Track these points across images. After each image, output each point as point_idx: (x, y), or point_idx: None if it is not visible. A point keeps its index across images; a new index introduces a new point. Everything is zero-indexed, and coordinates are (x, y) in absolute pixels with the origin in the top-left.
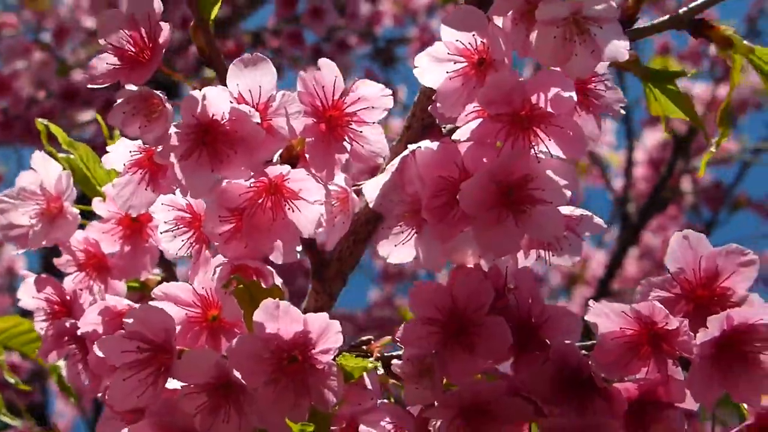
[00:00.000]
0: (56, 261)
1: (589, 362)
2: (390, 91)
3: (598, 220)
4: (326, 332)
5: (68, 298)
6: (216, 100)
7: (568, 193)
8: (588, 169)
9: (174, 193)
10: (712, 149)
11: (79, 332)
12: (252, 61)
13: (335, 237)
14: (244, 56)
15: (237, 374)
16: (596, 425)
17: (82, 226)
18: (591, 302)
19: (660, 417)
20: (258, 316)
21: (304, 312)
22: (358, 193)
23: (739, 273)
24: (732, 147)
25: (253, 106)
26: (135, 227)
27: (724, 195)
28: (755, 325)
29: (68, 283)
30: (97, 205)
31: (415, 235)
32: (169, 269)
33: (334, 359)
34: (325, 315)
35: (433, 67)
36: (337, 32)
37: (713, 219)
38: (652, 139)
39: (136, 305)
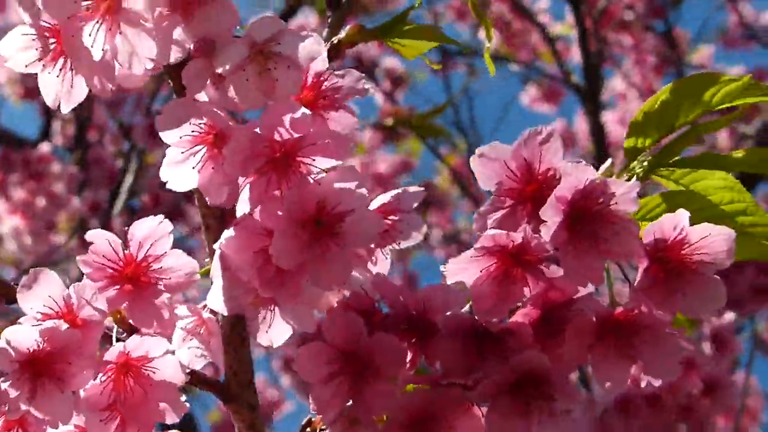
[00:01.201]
0: None
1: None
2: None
3: (413, 188)
4: None
5: None
6: (22, 338)
7: (364, 190)
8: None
9: None
10: None
11: None
12: (34, 280)
13: (220, 358)
14: (23, 280)
15: None
16: (519, 363)
17: None
18: (441, 268)
19: (566, 317)
20: None
21: None
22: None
23: (546, 151)
24: None
25: (59, 317)
26: None
27: None
28: (586, 188)
29: None
30: None
31: (277, 311)
32: None
33: None
34: None
35: (179, 168)
36: None
37: None
38: None
39: None
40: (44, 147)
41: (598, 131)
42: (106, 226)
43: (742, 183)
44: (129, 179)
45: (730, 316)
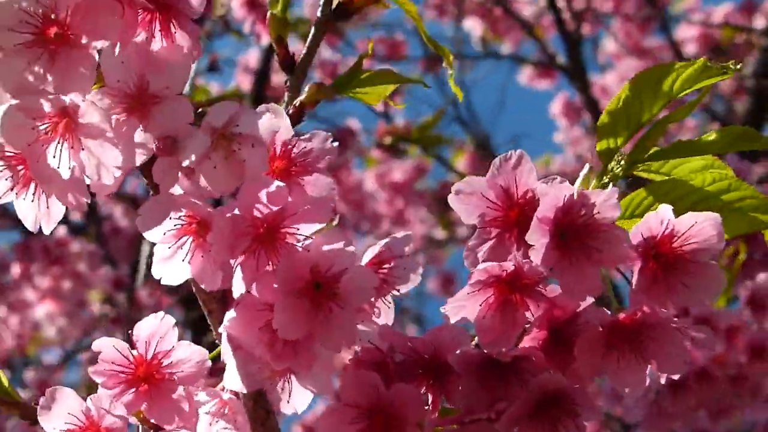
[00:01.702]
0: None
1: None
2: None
3: (400, 233)
4: None
5: None
6: None
7: (352, 248)
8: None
9: None
10: None
11: None
12: (52, 400)
13: None
14: (41, 402)
15: None
16: (536, 387)
17: None
18: (442, 309)
19: (574, 332)
20: None
21: None
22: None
23: (520, 175)
24: None
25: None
26: None
27: None
28: (566, 204)
29: None
30: None
31: (295, 378)
32: None
33: None
34: None
35: (170, 263)
36: None
37: None
38: None
39: None
40: (60, 230)
41: (591, 105)
42: (133, 300)
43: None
44: (146, 248)
45: (763, 276)
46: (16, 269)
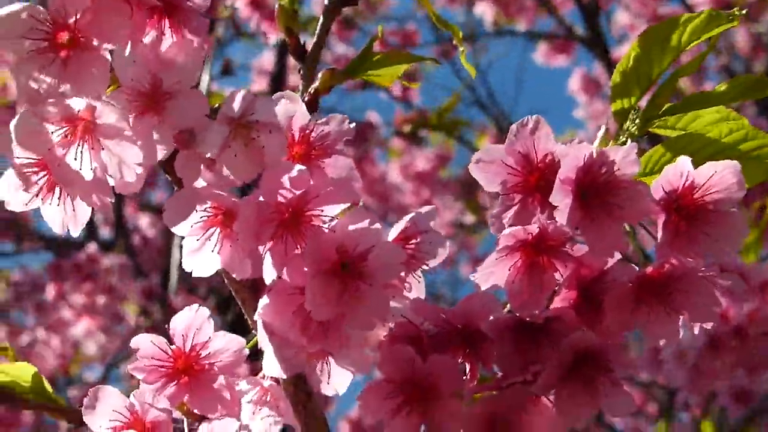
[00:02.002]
0: None
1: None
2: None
3: (425, 208)
4: None
5: None
6: None
7: (378, 225)
8: None
9: None
10: None
11: None
12: (95, 399)
13: (292, 419)
14: (85, 402)
15: None
16: (569, 346)
17: None
18: (471, 277)
19: (604, 289)
20: None
21: None
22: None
23: (538, 139)
24: None
25: (128, 427)
26: None
27: None
28: (586, 164)
29: None
30: None
31: (333, 359)
32: None
33: None
34: None
35: (199, 255)
36: None
37: None
38: None
39: None
40: (90, 247)
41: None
42: (167, 308)
43: None
44: (176, 253)
45: None
46: (50, 290)
